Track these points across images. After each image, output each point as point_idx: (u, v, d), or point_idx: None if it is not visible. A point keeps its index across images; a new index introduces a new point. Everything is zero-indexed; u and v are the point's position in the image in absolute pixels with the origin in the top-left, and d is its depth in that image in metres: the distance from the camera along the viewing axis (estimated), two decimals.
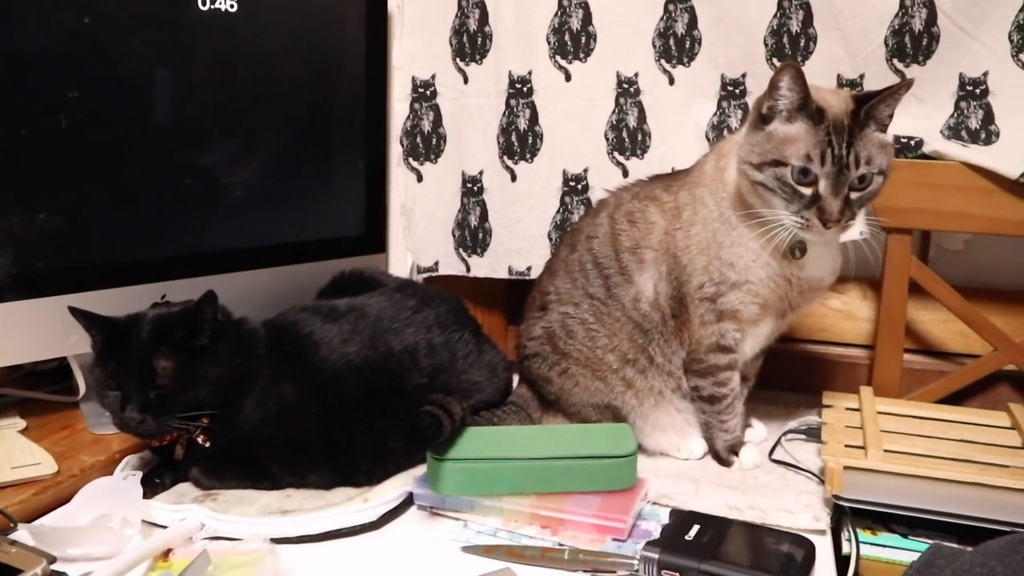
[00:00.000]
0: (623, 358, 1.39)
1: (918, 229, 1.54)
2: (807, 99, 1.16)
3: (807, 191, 1.19)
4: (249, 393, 1.28)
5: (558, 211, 1.67)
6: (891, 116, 1.24)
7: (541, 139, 1.65)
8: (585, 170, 1.64)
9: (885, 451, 1.25)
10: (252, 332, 1.35)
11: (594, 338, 1.40)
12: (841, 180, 1.17)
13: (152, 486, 1.26)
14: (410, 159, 1.78)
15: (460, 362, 1.46)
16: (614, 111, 1.62)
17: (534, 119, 1.65)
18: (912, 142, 1.52)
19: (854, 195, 1.18)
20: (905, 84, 1.18)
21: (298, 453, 1.30)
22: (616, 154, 1.62)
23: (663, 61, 1.60)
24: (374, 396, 1.30)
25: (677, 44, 1.59)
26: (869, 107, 1.17)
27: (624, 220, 1.40)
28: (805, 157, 1.18)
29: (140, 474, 1.27)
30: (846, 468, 1.19)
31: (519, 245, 1.71)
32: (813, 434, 1.47)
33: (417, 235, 1.80)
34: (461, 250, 1.75)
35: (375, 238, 1.77)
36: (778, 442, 1.46)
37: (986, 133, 1.47)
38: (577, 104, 1.62)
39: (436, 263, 1.81)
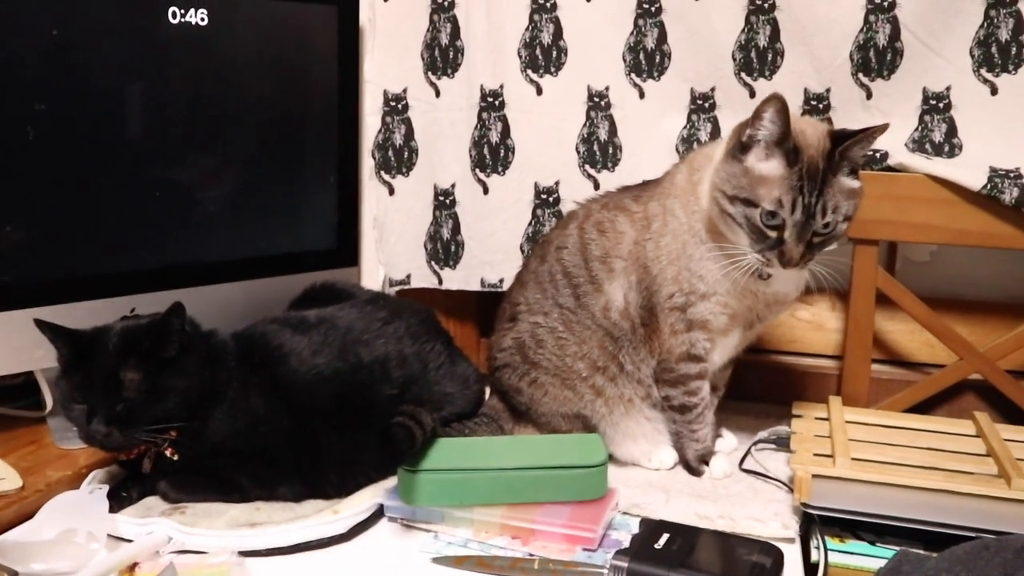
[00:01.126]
0: (593, 365, 1.39)
1: (884, 240, 1.54)
2: (787, 134, 1.17)
3: (772, 234, 1.20)
4: (218, 405, 1.27)
5: (530, 223, 1.68)
6: (865, 157, 1.26)
7: (513, 152, 1.66)
8: (556, 183, 1.65)
9: (853, 459, 1.25)
10: (221, 344, 1.34)
11: (564, 346, 1.41)
12: (806, 228, 1.18)
13: (119, 500, 1.24)
14: (382, 172, 1.78)
15: (432, 373, 1.46)
16: (585, 124, 1.63)
17: (506, 132, 1.65)
18: (878, 154, 1.53)
19: (816, 239, 1.19)
20: (879, 128, 1.18)
21: (267, 465, 1.29)
22: (587, 167, 1.63)
23: (633, 75, 1.61)
24: (344, 408, 1.29)
25: (647, 58, 1.60)
26: (844, 148, 1.18)
27: (593, 230, 1.41)
28: (776, 202, 1.18)
29: (107, 488, 1.26)
30: (815, 477, 1.20)
31: (491, 257, 1.72)
32: (783, 443, 1.48)
33: (389, 248, 1.80)
34: (433, 263, 1.75)
35: (347, 251, 1.76)
36: (748, 452, 1.47)
37: (949, 146, 1.49)
38: (548, 117, 1.63)
39: (408, 276, 1.81)
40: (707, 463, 1.39)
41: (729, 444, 1.49)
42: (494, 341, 1.52)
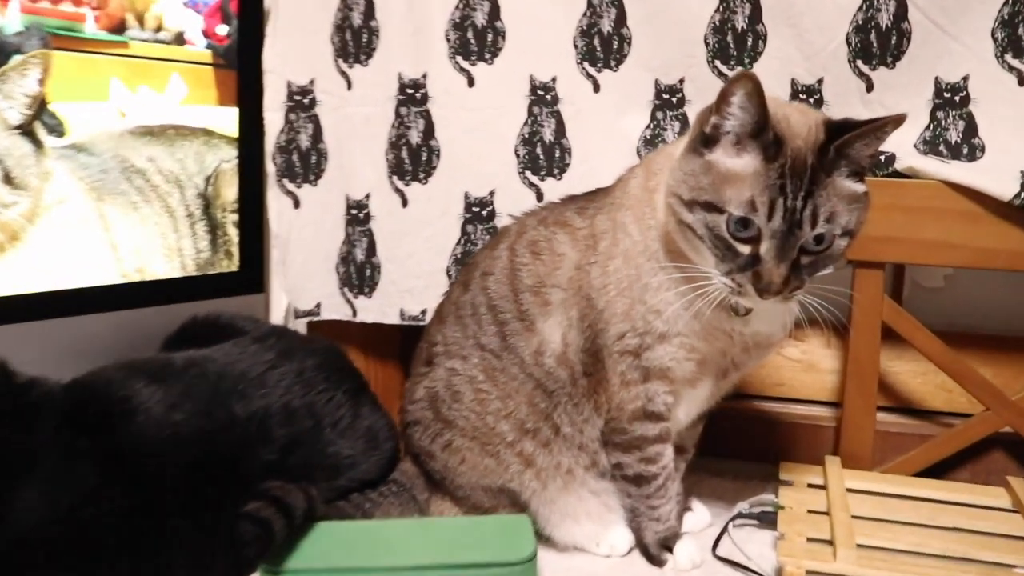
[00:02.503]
0: (520, 427, 1.09)
1: (891, 263, 1.33)
2: (764, 124, 0.90)
3: (745, 249, 0.92)
4: (25, 481, 0.97)
5: (459, 242, 1.41)
6: (872, 157, 0.96)
7: (438, 155, 1.41)
8: (491, 193, 1.40)
9: (858, 547, 0.98)
10: (43, 398, 1.04)
11: (484, 401, 1.11)
12: (790, 242, 0.90)
13: None
14: (285, 180, 1.48)
15: (327, 431, 1.18)
16: (527, 122, 1.38)
17: (429, 131, 1.39)
18: (883, 157, 1.26)
19: (805, 259, 0.92)
20: (893, 120, 0.91)
21: (92, 562, 0.99)
22: (529, 173, 1.38)
23: (586, 64, 1.36)
24: (205, 480, 1.06)
25: (603, 44, 1.35)
26: (843, 143, 0.90)
27: (526, 251, 1.11)
28: (748, 204, 0.90)
29: None
30: (809, 574, 0.90)
31: (412, 283, 1.42)
32: (767, 519, 1.18)
33: (294, 272, 1.50)
34: (346, 290, 1.45)
35: (251, 276, 1.50)
36: (724, 530, 1.17)
37: (969, 147, 1.25)
38: (482, 114, 1.37)
39: (318, 305, 1.51)
40: (671, 549, 1.10)
41: (700, 520, 1.19)
42: (407, 389, 1.22)
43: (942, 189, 1.23)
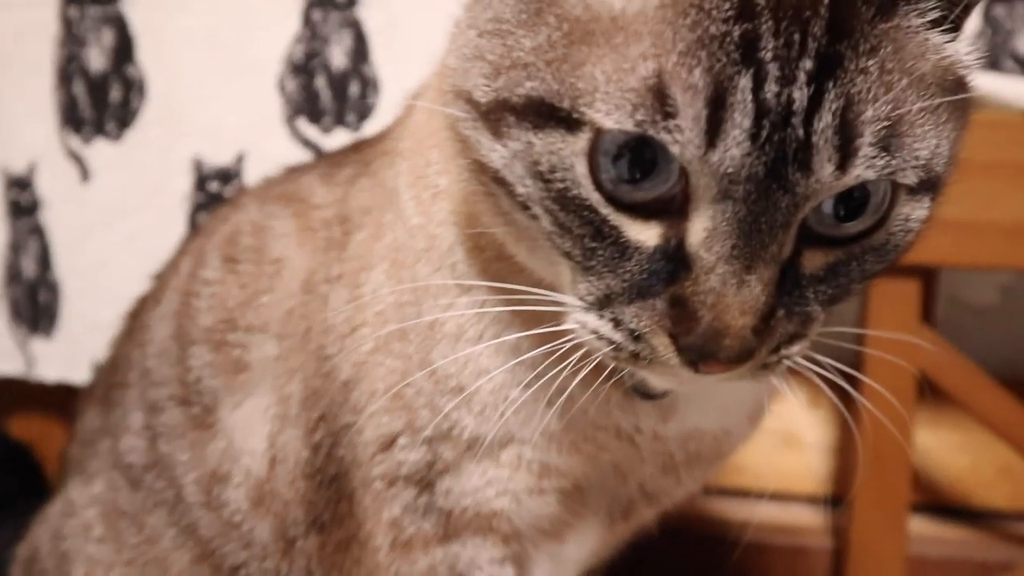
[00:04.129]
0: None
1: (922, 268, 0.84)
2: None
3: (645, 234, 0.38)
4: None
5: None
6: None
7: (142, 92, 0.88)
8: (238, 157, 0.87)
9: None
10: None
11: None
12: (778, 207, 0.36)
13: None
14: None
15: None
16: (302, 38, 0.86)
17: (124, 51, 0.86)
18: None
19: (818, 260, 0.39)
20: None
21: None
22: (302, 122, 0.87)
23: None
24: None
25: None
26: None
27: (216, 258, 0.56)
28: (650, 96, 0.35)
29: None
30: None
31: (108, 313, 0.83)
32: None
33: None
34: (16, 327, 0.87)
35: None
36: None
37: None
38: (217, 20, 0.86)
39: None
40: None
41: None
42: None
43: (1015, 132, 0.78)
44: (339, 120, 0.86)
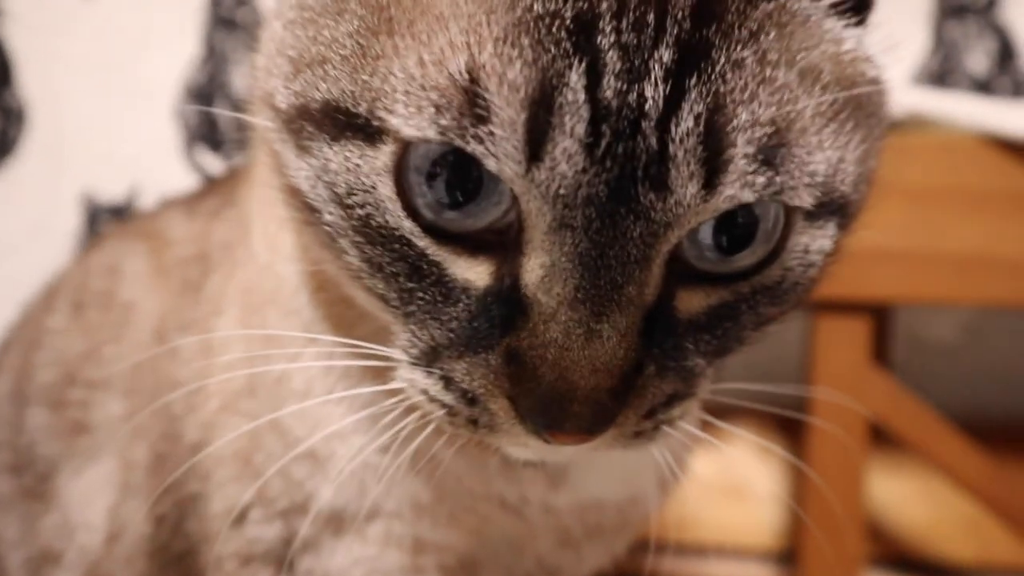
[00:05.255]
0: None
1: (871, 304, 0.79)
2: None
3: (465, 270, 0.31)
4: None
5: None
6: None
7: (22, 121, 0.81)
8: (132, 189, 0.83)
9: None
10: None
11: None
12: (630, 230, 0.29)
13: None
14: None
15: None
16: (203, 61, 0.82)
17: (1, 75, 0.81)
18: None
19: (699, 303, 0.33)
20: None
21: None
22: (200, 150, 0.82)
23: None
24: None
25: None
26: None
27: (66, 304, 0.49)
28: (462, 95, 0.29)
29: None
30: None
31: None
32: None
33: None
34: None
35: None
36: None
37: (1008, 76, 0.84)
38: (106, 38, 0.81)
39: None
40: None
41: None
42: None
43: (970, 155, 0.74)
44: (241, 147, 0.80)
